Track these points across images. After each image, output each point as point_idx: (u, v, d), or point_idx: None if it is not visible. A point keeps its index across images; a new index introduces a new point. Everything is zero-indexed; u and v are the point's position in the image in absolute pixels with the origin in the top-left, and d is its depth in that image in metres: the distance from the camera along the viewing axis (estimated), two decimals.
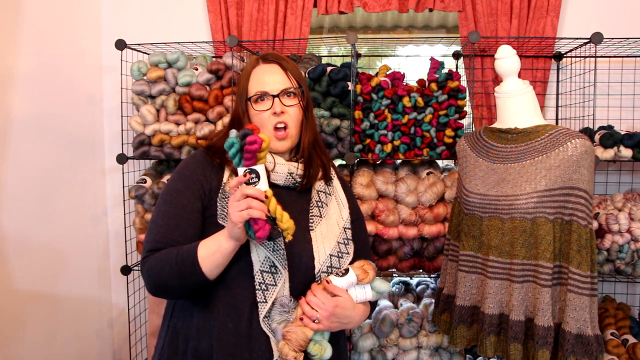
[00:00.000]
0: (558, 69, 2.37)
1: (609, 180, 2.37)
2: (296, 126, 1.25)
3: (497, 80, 2.32)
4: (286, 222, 1.05)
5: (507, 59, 1.56)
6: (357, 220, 1.37)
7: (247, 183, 1.05)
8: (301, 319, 1.14)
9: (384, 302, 2.20)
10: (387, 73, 2.15)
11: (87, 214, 2.49)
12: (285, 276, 1.18)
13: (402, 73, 2.13)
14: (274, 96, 1.21)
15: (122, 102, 2.30)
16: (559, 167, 1.43)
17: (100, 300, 2.59)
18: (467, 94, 2.22)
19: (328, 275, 1.21)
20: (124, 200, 2.34)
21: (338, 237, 1.27)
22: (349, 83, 2.05)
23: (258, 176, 1.06)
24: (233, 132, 1.05)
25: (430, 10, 2.40)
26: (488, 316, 1.53)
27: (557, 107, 2.37)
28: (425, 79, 2.07)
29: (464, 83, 2.14)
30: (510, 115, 1.57)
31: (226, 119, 2.12)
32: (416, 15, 2.80)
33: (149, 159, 2.21)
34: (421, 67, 2.47)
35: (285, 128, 1.22)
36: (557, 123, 2.36)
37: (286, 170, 1.23)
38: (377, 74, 2.16)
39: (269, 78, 1.23)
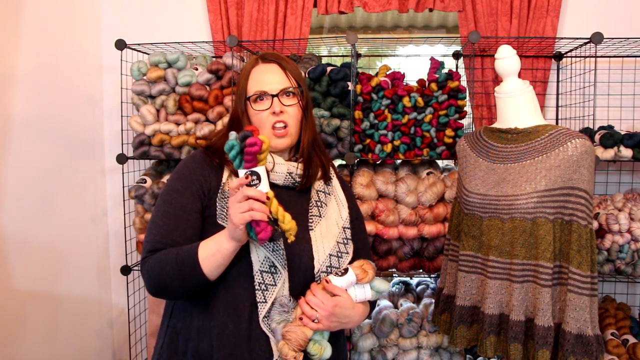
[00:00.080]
0: (558, 69, 2.37)
1: (609, 180, 2.37)
2: (295, 125, 1.25)
3: (497, 80, 2.32)
4: (288, 223, 1.05)
5: (507, 59, 1.56)
6: (356, 219, 1.37)
7: (248, 185, 1.05)
8: (301, 319, 1.14)
9: (384, 302, 2.20)
10: (387, 73, 2.15)
11: (87, 214, 2.50)
12: (284, 276, 1.18)
13: (402, 73, 2.13)
14: (273, 96, 1.21)
15: (122, 102, 2.30)
16: (559, 167, 1.43)
17: (100, 300, 2.59)
18: (467, 94, 2.22)
19: (327, 275, 1.21)
20: (124, 200, 2.34)
21: (337, 236, 1.27)
22: (349, 83, 2.05)
23: (259, 178, 1.05)
24: (233, 134, 1.05)
25: (430, 10, 2.40)
26: (488, 316, 1.53)
27: (557, 107, 2.37)
28: (425, 79, 2.07)
29: (464, 83, 2.14)
30: (510, 115, 1.57)
31: (226, 119, 2.11)
32: (416, 15, 2.80)
33: (149, 159, 2.21)
34: (421, 67, 2.47)
35: (284, 127, 1.22)
36: (557, 123, 2.36)
37: (285, 170, 1.23)
38: (377, 74, 2.16)
39: (268, 78, 1.23)
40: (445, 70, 2.10)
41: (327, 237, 1.25)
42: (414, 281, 2.45)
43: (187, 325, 1.20)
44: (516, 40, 2.20)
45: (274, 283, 1.16)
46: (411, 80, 2.17)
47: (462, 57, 2.39)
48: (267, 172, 1.17)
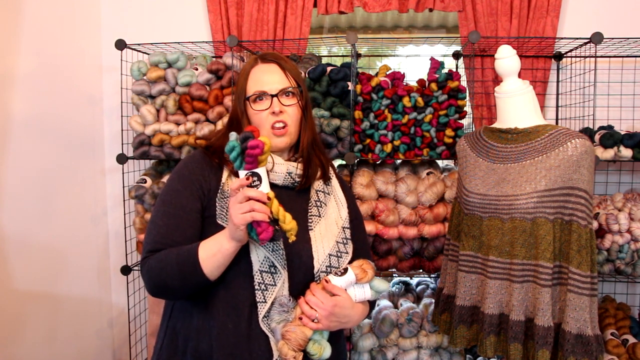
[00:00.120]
0: (558, 69, 2.37)
1: (609, 180, 2.37)
2: (295, 125, 1.25)
3: (497, 80, 2.32)
4: (289, 223, 1.05)
5: (507, 59, 1.56)
6: (355, 219, 1.37)
7: (249, 186, 1.05)
8: (300, 319, 1.14)
9: (384, 302, 2.20)
10: (387, 73, 2.15)
11: (87, 214, 2.50)
12: (284, 276, 1.18)
13: (402, 73, 2.13)
14: (272, 96, 1.21)
15: (122, 102, 2.30)
16: (559, 167, 1.43)
17: (100, 300, 2.59)
18: (467, 94, 2.22)
19: (327, 275, 1.21)
20: (124, 200, 2.34)
21: (337, 236, 1.27)
22: (349, 83, 2.05)
23: (260, 179, 1.06)
24: (233, 135, 1.05)
25: (430, 10, 2.40)
26: (488, 316, 1.53)
27: (557, 107, 2.37)
28: (425, 79, 2.07)
29: (464, 83, 2.14)
30: (510, 115, 1.57)
31: (226, 119, 2.11)
32: (416, 15, 2.80)
33: (149, 159, 2.21)
34: (421, 67, 2.47)
35: (284, 127, 1.22)
36: (557, 123, 2.36)
37: (285, 170, 1.23)
38: (377, 74, 2.16)
39: (267, 77, 1.23)
40: (445, 70, 2.10)
41: (326, 237, 1.25)
42: (414, 281, 2.45)
43: (186, 325, 1.20)
44: (516, 40, 2.20)
45: (273, 283, 1.16)
46: (411, 80, 2.17)
47: (462, 57, 2.39)
48: (267, 172, 1.17)
